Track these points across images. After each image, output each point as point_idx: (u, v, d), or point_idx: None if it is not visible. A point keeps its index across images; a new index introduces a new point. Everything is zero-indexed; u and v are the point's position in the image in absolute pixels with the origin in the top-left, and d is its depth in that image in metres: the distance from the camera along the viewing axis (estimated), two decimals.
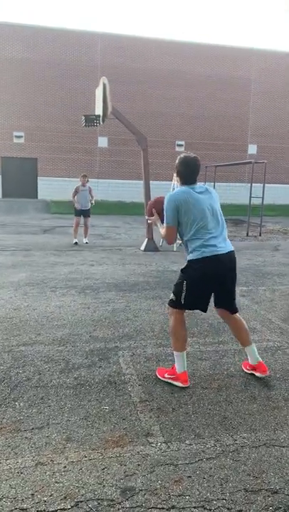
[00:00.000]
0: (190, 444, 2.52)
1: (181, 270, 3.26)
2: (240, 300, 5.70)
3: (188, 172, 3.22)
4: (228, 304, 3.36)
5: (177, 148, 25.43)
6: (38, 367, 3.50)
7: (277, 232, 14.42)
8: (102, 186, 24.72)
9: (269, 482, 2.22)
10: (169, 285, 6.36)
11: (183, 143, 25.60)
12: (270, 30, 58.26)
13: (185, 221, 3.13)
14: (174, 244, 10.03)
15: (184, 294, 3.16)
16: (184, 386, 3.20)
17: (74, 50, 23.88)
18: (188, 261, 3.20)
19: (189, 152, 3.40)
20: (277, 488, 2.18)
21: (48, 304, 5.29)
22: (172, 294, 3.26)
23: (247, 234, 13.28)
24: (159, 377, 3.34)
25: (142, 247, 9.78)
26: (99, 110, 10.01)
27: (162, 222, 3.30)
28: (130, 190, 24.34)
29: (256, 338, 4.28)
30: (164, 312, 5.05)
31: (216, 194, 3.30)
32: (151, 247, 9.65)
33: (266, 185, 13.79)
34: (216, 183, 18.25)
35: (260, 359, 3.41)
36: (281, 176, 26.84)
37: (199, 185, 3.27)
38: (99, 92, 10.03)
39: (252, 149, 26.61)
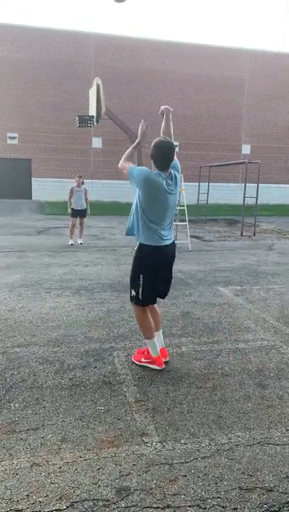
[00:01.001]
0: (185, 444, 2.53)
1: (135, 259, 3.44)
2: (234, 299, 5.72)
3: (160, 156, 3.28)
4: (164, 292, 3.63)
5: None
6: (33, 368, 3.50)
7: (271, 231, 14.48)
8: (97, 187, 24.69)
9: (263, 480, 2.23)
10: None
11: (177, 143, 25.61)
12: (270, 31, 58.37)
13: (146, 205, 3.29)
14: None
15: (141, 290, 3.38)
16: (159, 369, 3.38)
17: (67, 50, 23.84)
18: (140, 245, 3.39)
19: (165, 137, 3.44)
20: (272, 486, 2.19)
21: (43, 305, 5.29)
22: (132, 290, 3.46)
23: (241, 234, 13.32)
24: (136, 362, 3.50)
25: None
26: (93, 111, 10.01)
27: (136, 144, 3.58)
28: (125, 191, 24.26)
29: (250, 337, 4.31)
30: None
31: (178, 184, 3.42)
32: None
33: (260, 185, 13.83)
34: (210, 183, 18.28)
35: (164, 345, 3.68)
36: (275, 176, 26.94)
37: (171, 172, 3.34)
38: (92, 93, 10.04)
39: (246, 149, 26.69)
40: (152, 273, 3.39)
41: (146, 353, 3.58)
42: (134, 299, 3.46)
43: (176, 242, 3.68)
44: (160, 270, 3.43)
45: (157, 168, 3.30)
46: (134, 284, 3.43)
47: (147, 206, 3.28)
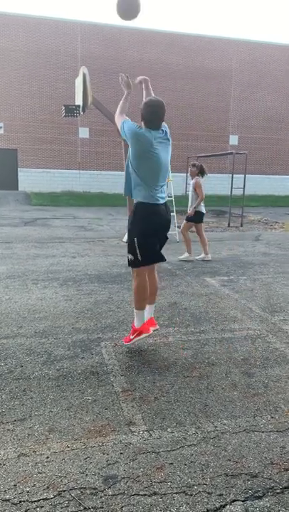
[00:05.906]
0: (172, 432, 2.55)
1: (130, 224, 3.46)
2: (221, 289, 5.76)
3: (150, 115, 3.27)
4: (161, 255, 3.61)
5: None
6: (20, 359, 3.49)
7: (259, 222, 14.57)
8: (84, 177, 24.52)
9: (249, 466, 2.27)
10: None
11: None
12: (265, 22, 58.04)
13: (137, 163, 3.27)
14: None
15: (138, 251, 3.34)
16: (148, 334, 3.38)
17: (53, 38, 23.45)
18: (135, 204, 3.39)
19: (155, 96, 3.44)
20: (257, 472, 2.23)
21: (30, 296, 5.26)
22: (129, 255, 3.44)
23: (228, 224, 13.38)
24: (128, 343, 3.52)
25: (125, 239, 9.76)
26: (79, 100, 9.89)
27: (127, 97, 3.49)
28: (112, 181, 24.19)
29: (237, 327, 4.35)
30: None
31: (170, 141, 3.40)
32: None
33: (247, 175, 13.89)
34: None
35: (152, 315, 3.75)
36: (262, 166, 27.04)
37: (163, 130, 3.36)
38: (79, 82, 9.91)
39: (233, 140, 26.70)
40: (150, 232, 3.34)
41: (132, 331, 3.58)
42: (133, 263, 3.39)
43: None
44: (158, 230, 3.43)
45: (148, 128, 3.29)
46: (130, 247, 3.38)
47: (138, 164, 3.26)
